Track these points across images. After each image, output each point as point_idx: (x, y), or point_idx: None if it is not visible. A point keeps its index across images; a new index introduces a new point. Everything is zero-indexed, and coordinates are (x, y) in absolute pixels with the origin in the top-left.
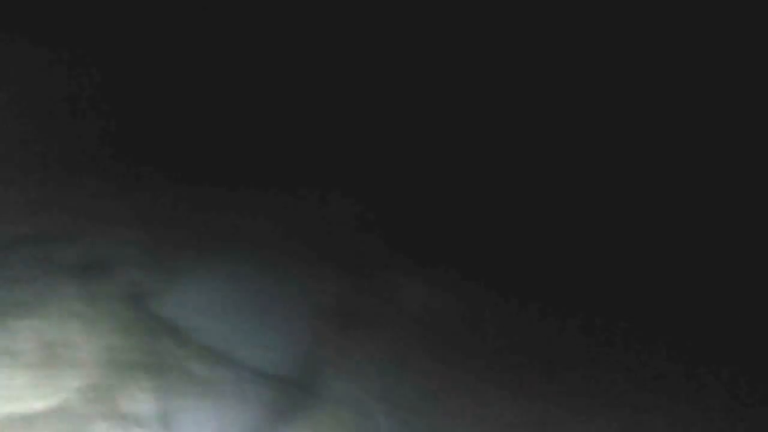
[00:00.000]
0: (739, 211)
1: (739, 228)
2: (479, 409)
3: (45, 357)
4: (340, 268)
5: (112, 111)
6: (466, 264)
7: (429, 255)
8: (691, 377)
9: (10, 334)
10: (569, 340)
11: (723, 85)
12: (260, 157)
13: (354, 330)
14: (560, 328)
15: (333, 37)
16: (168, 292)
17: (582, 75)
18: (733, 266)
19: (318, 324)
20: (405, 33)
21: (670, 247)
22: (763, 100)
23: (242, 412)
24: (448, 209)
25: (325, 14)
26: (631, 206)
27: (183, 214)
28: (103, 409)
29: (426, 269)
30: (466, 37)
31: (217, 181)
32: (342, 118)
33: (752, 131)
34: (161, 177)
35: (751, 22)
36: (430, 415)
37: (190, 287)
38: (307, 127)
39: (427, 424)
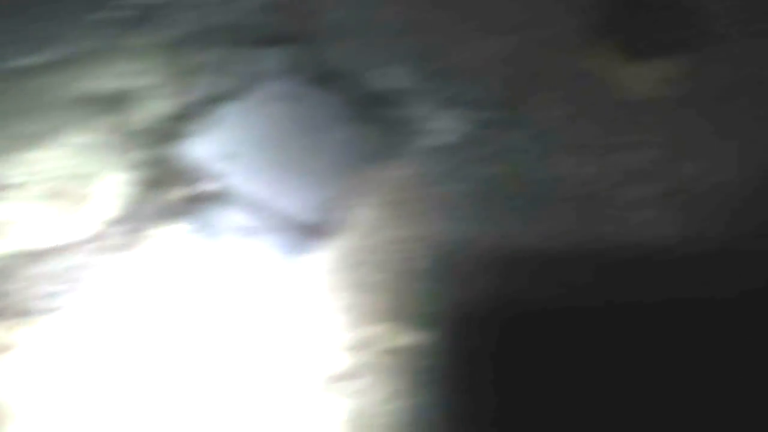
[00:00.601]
0: None
1: None
2: None
3: (71, 187)
4: None
5: None
6: None
7: None
8: None
9: (22, 166)
10: None
11: None
12: None
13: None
14: None
15: None
16: (203, 128)
17: None
18: None
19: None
20: None
21: None
22: None
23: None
24: None
25: None
26: None
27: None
28: (132, 238)
29: None
30: None
31: None
32: None
33: None
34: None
35: None
36: None
37: (227, 125)
38: None
39: None
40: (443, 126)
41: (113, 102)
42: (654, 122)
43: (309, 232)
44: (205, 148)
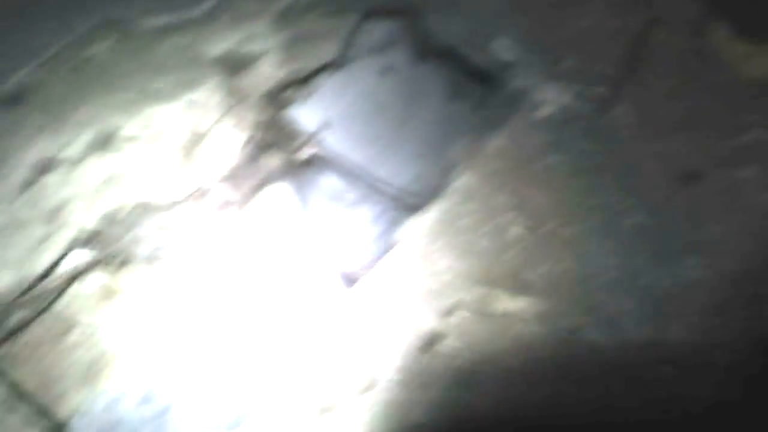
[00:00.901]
0: None
1: None
2: None
3: (184, 146)
4: None
5: None
6: None
7: None
8: None
9: (142, 120)
10: None
11: None
12: None
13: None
14: None
15: None
16: (308, 95)
17: None
18: None
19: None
20: None
21: None
22: None
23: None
24: None
25: None
26: None
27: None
28: (237, 196)
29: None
30: None
31: None
32: None
33: None
34: None
35: None
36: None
37: (333, 94)
38: None
39: None
40: (546, 99)
41: (228, 64)
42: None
43: (405, 201)
44: (309, 115)
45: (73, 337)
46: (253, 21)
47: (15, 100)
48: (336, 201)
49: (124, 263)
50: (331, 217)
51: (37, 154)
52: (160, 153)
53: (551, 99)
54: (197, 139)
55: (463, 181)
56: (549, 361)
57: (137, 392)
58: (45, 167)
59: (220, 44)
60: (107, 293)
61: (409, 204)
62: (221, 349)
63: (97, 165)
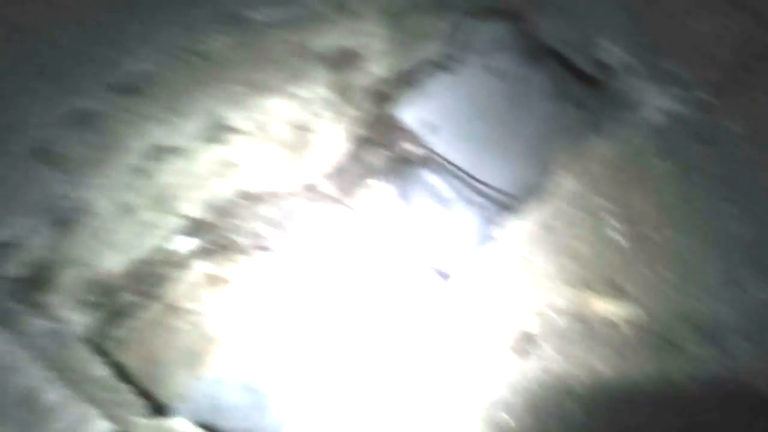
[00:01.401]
0: None
1: None
2: None
3: (289, 139)
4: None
5: None
6: None
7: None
8: None
9: (251, 113)
10: None
11: None
12: None
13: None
14: None
15: None
16: (413, 94)
17: None
18: None
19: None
20: None
21: None
22: None
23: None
24: None
25: None
26: None
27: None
28: (340, 191)
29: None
30: None
31: None
32: None
33: None
34: None
35: None
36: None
37: (436, 94)
38: None
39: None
40: (651, 103)
41: (338, 60)
42: None
43: (503, 202)
44: (414, 114)
45: (178, 322)
46: (362, 17)
47: (130, 89)
48: (436, 199)
49: (228, 253)
50: (430, 214)
51: (149, 141)
52: (266, 145)
53: (656, 103)
54: (303, 132)
55: (562, 183)
56: (644, 369)
57: (238, 379)
58: (155, 154)
59: (327, 39)
60: (212, 281)
61: (507, 204)
62: (320, 339)
63: (206, 155)
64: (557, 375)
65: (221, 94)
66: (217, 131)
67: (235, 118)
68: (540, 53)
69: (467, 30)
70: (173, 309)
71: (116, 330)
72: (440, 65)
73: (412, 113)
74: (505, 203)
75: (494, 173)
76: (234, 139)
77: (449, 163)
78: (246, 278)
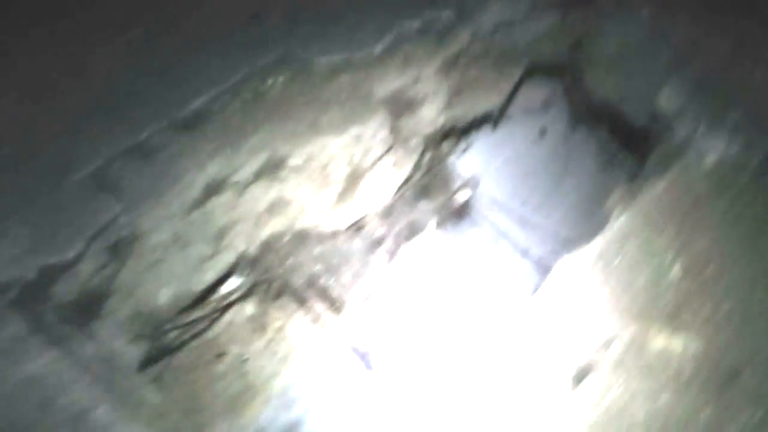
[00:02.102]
0: None
1: None
2: None
3: (346, 179)
4: None
5: None
6: None
7: None
8: None
9: (319, 152)
10: None
11: None
12: None
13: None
14: None
15: None
16: (465, 148)
17: None
18: None
19: None
20: None
21: None
22: None
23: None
24: None
25: None
26: None
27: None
28: (392, 233)
29: None
30: None
31: None
32: None
33: None
34: None
35: None
36: None
37: (486, 149)
38: None
39: None
40: (712, 148)
41: (394, 105)
42: None
43: (561, 240)
44: (467, 166)
45: (222, 366)
46: (422, 66)
47: (193, 124)
48: (488, 244)
49: (280, 295)
50: (483, 259)
51: (209, 176)
52: (322, 184)
53: (717, 148)
54: (359, 174)
55: (622, 222)
56: (702, 401)
57: (282, 426)
58: (215, 189)
59: (388, 85)
60: (259, 325)
61: (565, 242)
62: (369, 387)
63: (264, 191)
64: (617, 404)
65: (282, 133)
66: (277, 168)
67: (295, 156)
68: (593, 112)
69: (522, 89)
70: (219, 351)
71: (162, 370)
72: (494, 122)
73: (463, 164)
74: (563, 241)
75: (547, 226)
76: (290, 176)
77: (502, 215)
78: (295, 324)
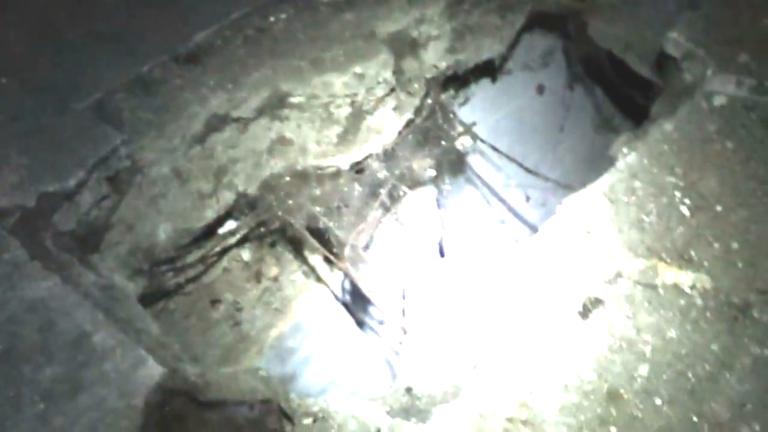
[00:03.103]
0: None
1: None
2: None
3: (348, 119)
4: None
5: None
6: None
7: None
8: None
9: (320, 90)
10: None
11: None
12: None
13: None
14: None
15: None
16: (465, 93)
17: None
18: None
19: None
20: None
21: None
22: None
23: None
24: None
25: None
26: None
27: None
28: (394, 174)
29: None
30: None
31: None
32: None
33: None
34: None
35: None
36: None
37: (487, 104)
38: None
39: None
40: (720, 90)
41: (397, 44)
42: None
43: (562, 184)
44: (467, 112)
45: (217, 314)
46: (426, 7)
47: (195, 58)
48: (489, 184)
49: (275, 242)
50: (484, 198)
51: (211, 110)
52: (324, 124)
53: (727, 89)
54: (360, 115)
55: (630, 161)
56: (711, 334)
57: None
58: (217, 125)
59: (391, 24)
60: (255, 273)
61: (568, 190)
62: (365, 338)
63: (265, 129)
64: (626, 338)
65: (284, 70)
66: (276, 106)
67: (297, 93)
68: (589, 66)
69: (522, 42)
70: (213, 298)
71: (157, 313)
72: (493, 72)
73: (463, 114)
74: (564, 185)
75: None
76: (292, 115)
77: (500, 153)
78: (291, 274)
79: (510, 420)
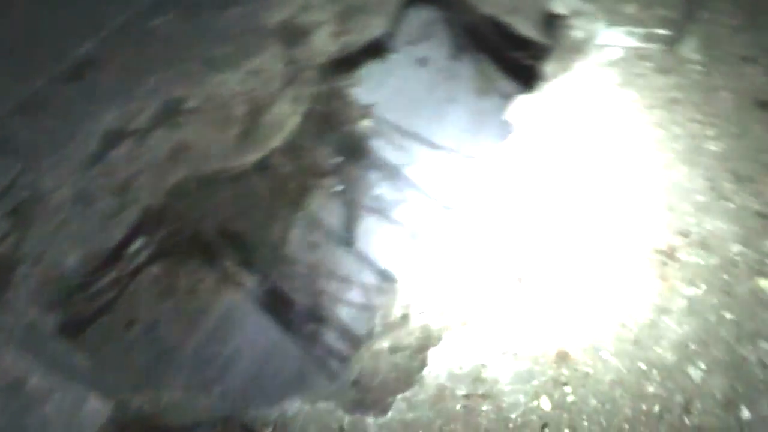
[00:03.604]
0: None
1: None
2: None
3: (246, 116)
4: None
5: None
6: None
7: None
8: None
9: (201, 89)
10: None
11: None
12: None
13: None
14: None
15: None
16: (356, 76)
17: None
18: None
19: None
20: None
21: None
22: None
23: None
24: None
25: None
26: None
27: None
28: (298, 167)
29: None
30: None
31: None
32: None
33: None
34: None
35: None
36: None
37: (376, 81)
38: None
39: None
40: (612, 43)
41: (286, 34)
42: None
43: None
44: (360, 93)
45: (132, 335)
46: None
47: (80, 73)
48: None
49: (188, 252)
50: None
51: (106, 125)
52: (224, 124)
53: (617, 43)
54: (259, 110)
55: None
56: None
57: (200, 385)
58: (114, 140)
59: (277, 14)
60: (168, 287)
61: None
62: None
63: (164, 138)
64: (564, 300)
65: (176, 73)
66: (172, 112)
67: (190, 97)
68: (473, 36)
69: (406, 17)
70: (128, 320)
71: (74, 339)
72: (380, 50)
73: (358, 95)
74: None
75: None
76: (190, 119)
77: (399, 131)
78: (206, 282)
79: (467, 396)
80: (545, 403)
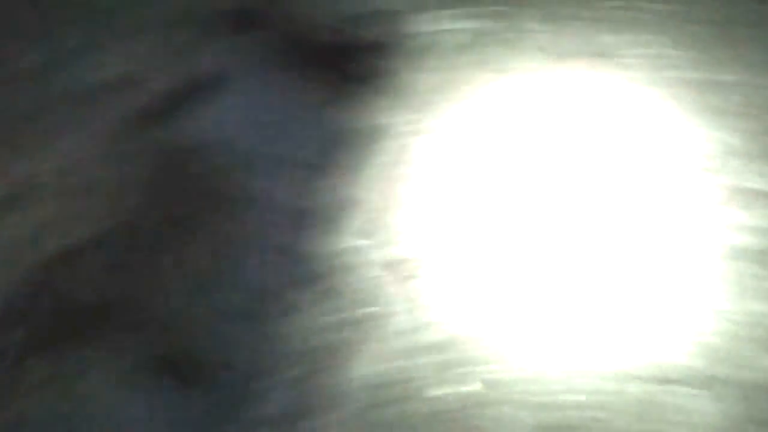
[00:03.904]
0: None
1: None
2: None
3: (79, 188)
4: None
5: None
6: None
7: None
8: None
9: (50, 162)
10: None
11: None
12: None
13: None
14: None
15: None
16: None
17: None
18: None
19: None
20: None
21: None
22: None
23: None
24: None
25: None
26: None
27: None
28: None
29: None
30: None
31: None
32: None
33: None
34: None
35: None
36: None
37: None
38: None
39: None
40: (451, 27)
41: (121, 86)
42: None
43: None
44: (206, 128)
45: None
46: (133, 39)
47: None
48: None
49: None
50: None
51: None
52: (80, 193)
53: (456, 27)
54: (90, 182)
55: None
56: None
57: None
58: None
59: (105, 68)
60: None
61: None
62: None
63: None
64: None
65: None
66: None
67: (34, 171)
68: (308, 52)
69: (234, 47)
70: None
71: None
72: (217, 84)
73: (203, 127)
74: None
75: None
76: (39, 196)
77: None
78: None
79: None
80: None
